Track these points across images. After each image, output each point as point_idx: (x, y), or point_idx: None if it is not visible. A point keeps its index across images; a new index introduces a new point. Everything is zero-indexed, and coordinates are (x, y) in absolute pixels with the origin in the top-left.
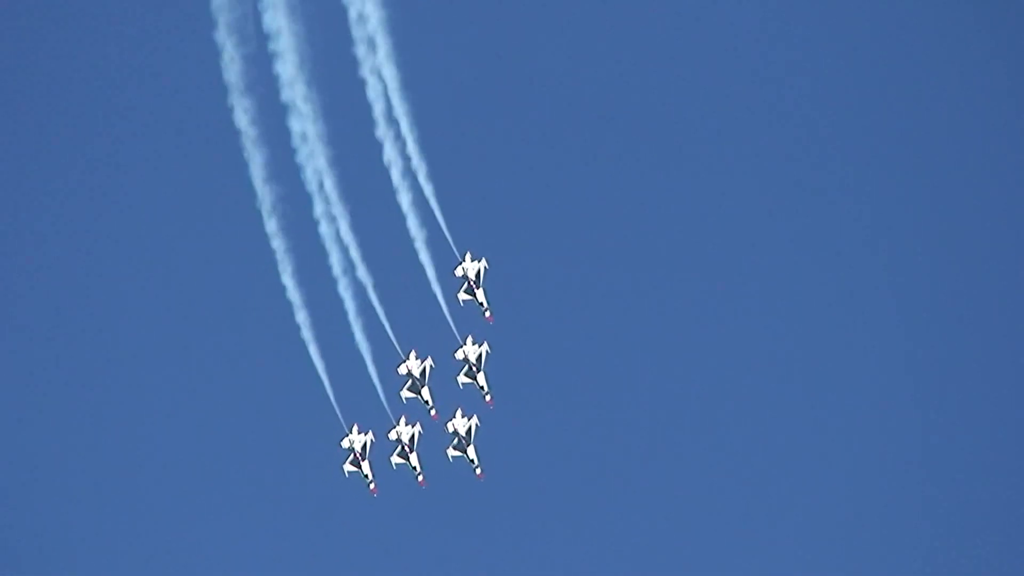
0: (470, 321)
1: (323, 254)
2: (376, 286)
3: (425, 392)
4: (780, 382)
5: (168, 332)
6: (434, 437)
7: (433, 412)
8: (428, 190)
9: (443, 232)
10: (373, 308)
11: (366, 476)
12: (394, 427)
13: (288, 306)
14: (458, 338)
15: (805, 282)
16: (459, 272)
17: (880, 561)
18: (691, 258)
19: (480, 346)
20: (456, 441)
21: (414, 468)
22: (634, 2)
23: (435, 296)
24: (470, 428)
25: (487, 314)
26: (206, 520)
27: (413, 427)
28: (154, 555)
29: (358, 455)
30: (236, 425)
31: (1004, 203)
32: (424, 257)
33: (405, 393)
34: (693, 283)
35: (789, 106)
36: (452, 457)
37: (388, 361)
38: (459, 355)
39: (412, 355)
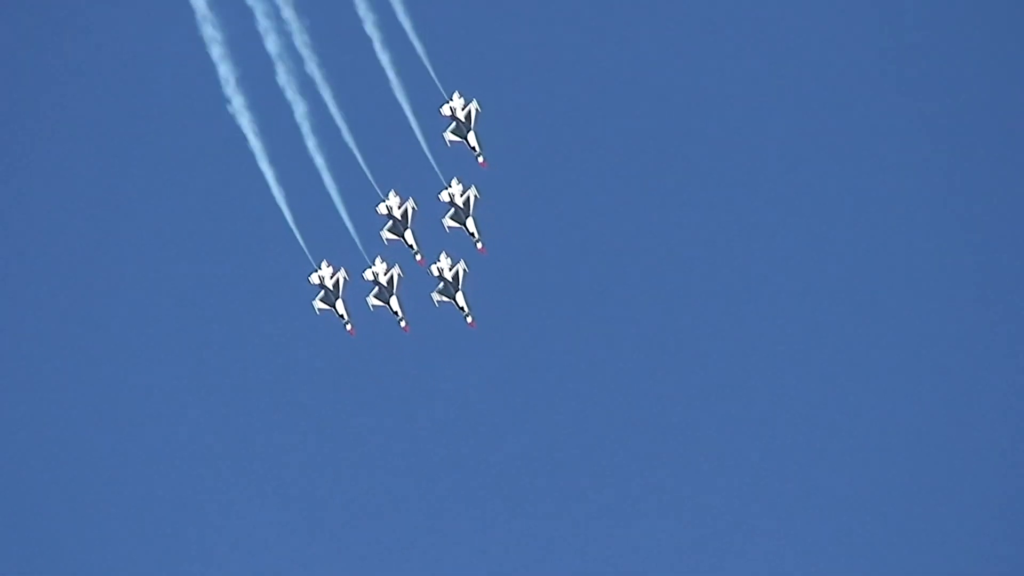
0: (456, 164)
1: (276, 77)
2: (346, 119)
3: (409, 236)
4: (780, 381)
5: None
6: (420, 281)
7: (419, 257)
8: (406, 23)
9: (423, 64)
10: (344, 143)
11: (341, 316)
12: (369, 267)
13: (244, 138)
14: (442, 180)
15: (806, 281)
16: (446, 111)
17: (880, 561)
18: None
19: (468, 189)
20: (443, 286)
21: (395, 313)
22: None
23: (414, 133)
24: (457, 273)
25: (480, 159)
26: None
27: (392, 268)
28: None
29: (330, 292)
30: (198, 261)
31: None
32: (401, 93)
33: (386, 234)
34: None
35: (795, 106)
36: (438, 302)
37: (362, 200)
38: (444, 197)
39: (392, 194)
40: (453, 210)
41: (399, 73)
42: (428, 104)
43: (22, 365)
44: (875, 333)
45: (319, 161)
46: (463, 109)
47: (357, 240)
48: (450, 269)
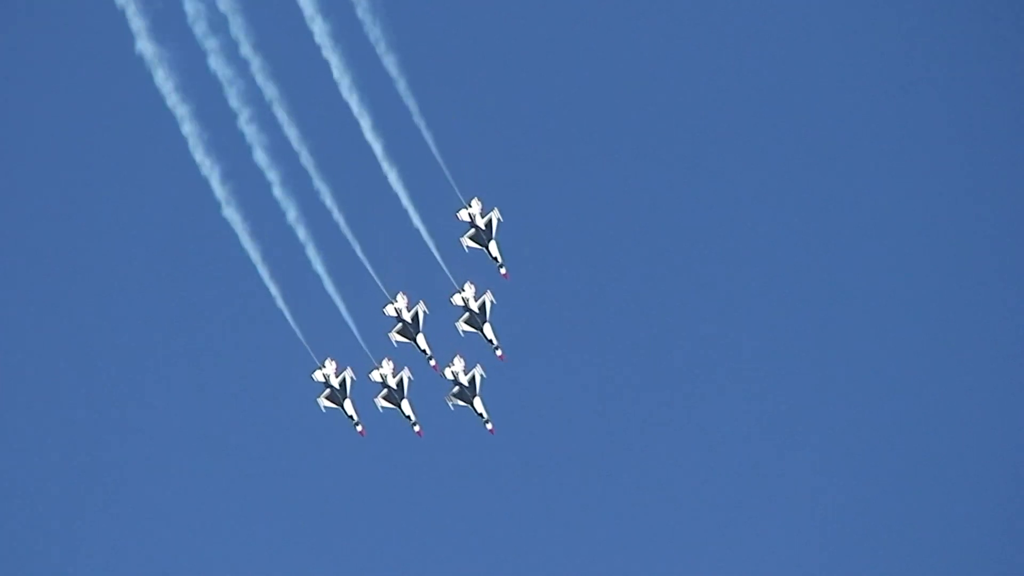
0: (470, 268)
1: (271, 180)
2: (348, 217)
3: (421, 340)
4: (782, 381)
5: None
6: (432, 385)
7: (433, 362)
8: (414, 109)
9: (437, 164)
10: (347, 242)
11: (351, 417)
12: (376, 368)
13: (231, 231)
14: (453, 282)
15: (807, 280)
16: (464, 216)
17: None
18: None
19: (484, 294)
20: (458, 390)
21: (408, 417)
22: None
23: (419, 233)
24: (474, 377)
25: (502, 271)
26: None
27: (401, 371)
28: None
29: (336, 391)
30: (197, 355)
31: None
32: (402, 188)
33: (395, 336)
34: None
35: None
36: (454, 406)
37: (367, 299)
38: (457, 300)
39: (400, 296)
40: (468, 314)
41: (406, 170)
42: (435, 200)
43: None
44: (876, 333)
45: (319, 260)
46: (483, 217)
47: (360, 339)
48: (466, 373)
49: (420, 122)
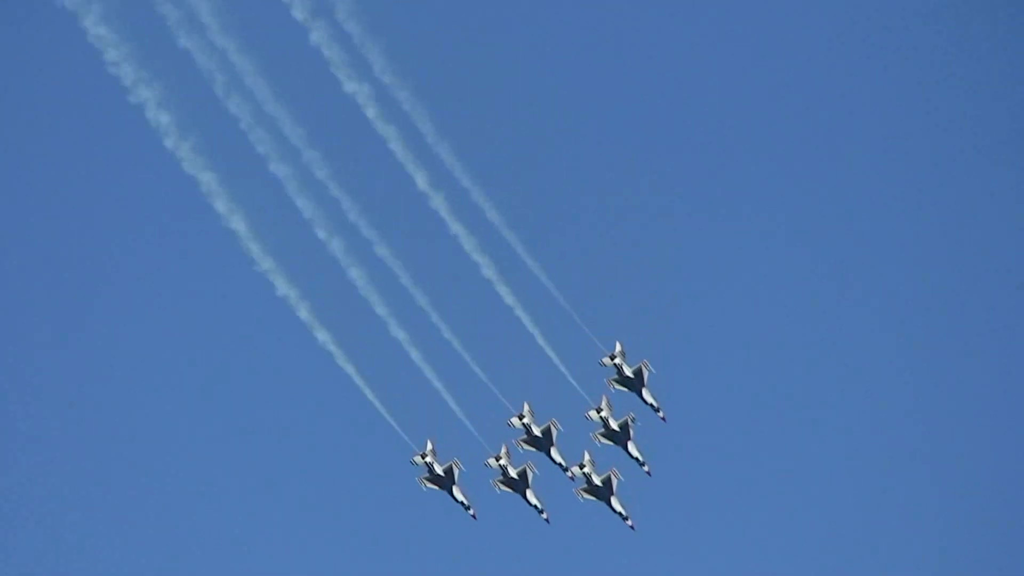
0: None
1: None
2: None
3: (555, 453)
4: (783, 383)
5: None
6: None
7: (569, 474)
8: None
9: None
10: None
11: (461, 502)
12: (494, 456)
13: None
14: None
15: (808, 280)
16: (608, 362)
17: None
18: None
19: (626, 417)
20: (588, 487)
21: (535, 506)
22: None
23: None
24: (610, 479)
25: (660, 414)
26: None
27: (524, 464)
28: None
29: (442, 478)
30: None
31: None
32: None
33: (523, 446)
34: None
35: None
36: (584, 499)
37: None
38: (592, 415)
39: (526, 407)
40: (605, 429)
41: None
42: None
43: None
44: (876, 334)
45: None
46: (631, 368)
47: (473, 430)
48: (598, 475)
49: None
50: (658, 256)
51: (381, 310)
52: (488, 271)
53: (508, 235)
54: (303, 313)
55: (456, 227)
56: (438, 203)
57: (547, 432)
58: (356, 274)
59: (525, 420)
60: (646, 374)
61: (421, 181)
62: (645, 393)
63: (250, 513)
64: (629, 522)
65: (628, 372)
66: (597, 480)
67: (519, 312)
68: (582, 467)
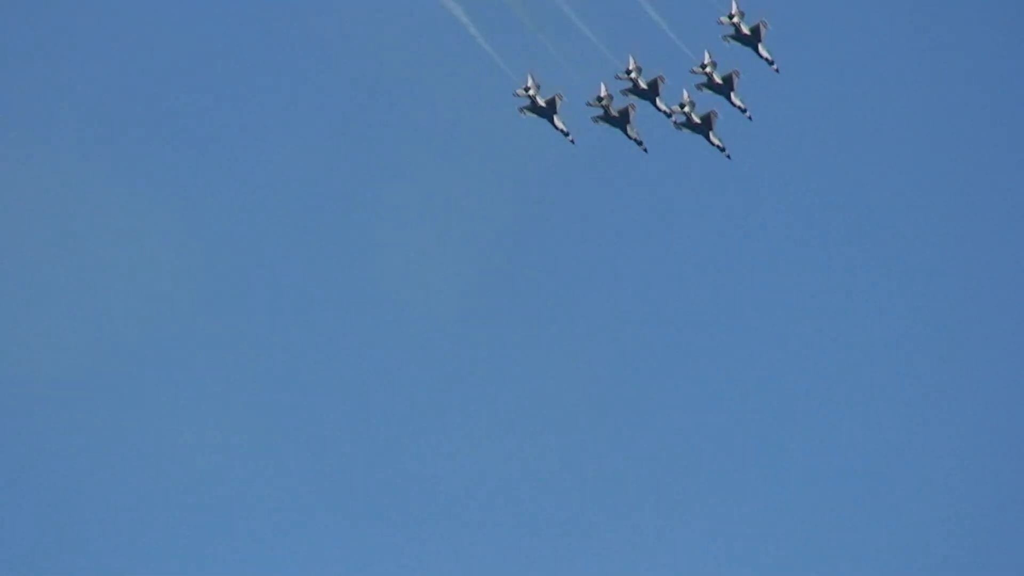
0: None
1: None
2: None
3: (660, 103)
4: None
5: None
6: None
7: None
8: None
9: None
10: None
11: (561, 129)
12: (599, 98)
13: None
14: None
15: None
16: (725, 21)
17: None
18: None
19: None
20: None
21: (634, 139)
22: None
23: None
24: (708, 116)
25: (773, 65)
26: None
27: (628, 106)
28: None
29: (541, 104)
30: None
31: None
32: None
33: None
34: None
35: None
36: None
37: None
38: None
39: (631, 61)
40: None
41: None
42: None
43: None
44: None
45: None
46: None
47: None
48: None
49: None
50: None
51: None
52: None
53: None
54: None
55: None
56: None
57: (653, 84)
58: None
59: (633, 74)
60: (762, 31)
61: None
62: (761, 49)
63: None
64: (726, 153)
65: (745, 29)
66: (696, 118)
67: None
68: (682, 106)
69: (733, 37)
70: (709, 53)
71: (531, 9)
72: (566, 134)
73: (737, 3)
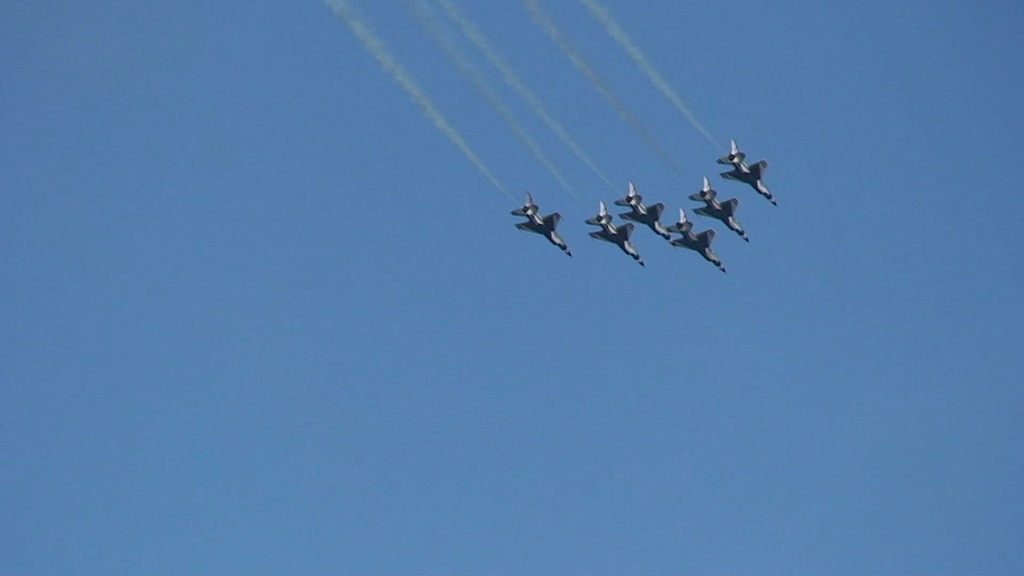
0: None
1: None
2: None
3: (659, 226)
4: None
5: None
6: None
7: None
8: None
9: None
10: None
11: (557, 243)
12: (599, 217)
13: None
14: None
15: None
16: (730, 155)
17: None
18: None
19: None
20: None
21: (632, 254)
22: None
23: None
24: (705, 235)
25: (772, 199)
26: None
27: (627, 225)
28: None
29: (539, 222)
30: None
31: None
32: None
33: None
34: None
35: None
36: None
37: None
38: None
39: (631, 188)
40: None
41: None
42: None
43: None
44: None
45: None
46: (749, 164)
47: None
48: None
49: None
50: None
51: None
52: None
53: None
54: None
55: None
56: None
57: (652, 210)
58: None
59: (632, 201)
60: (761, 171)
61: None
62: (760, 184)
63: None
64: (722, 267)
65: (745, 169)
66: (694, 236)
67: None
68: (680, 226)
69: (732, 175)
70: (708, 180)
71: (535, 141)
72: (563, 247)
73: (736, 144)
